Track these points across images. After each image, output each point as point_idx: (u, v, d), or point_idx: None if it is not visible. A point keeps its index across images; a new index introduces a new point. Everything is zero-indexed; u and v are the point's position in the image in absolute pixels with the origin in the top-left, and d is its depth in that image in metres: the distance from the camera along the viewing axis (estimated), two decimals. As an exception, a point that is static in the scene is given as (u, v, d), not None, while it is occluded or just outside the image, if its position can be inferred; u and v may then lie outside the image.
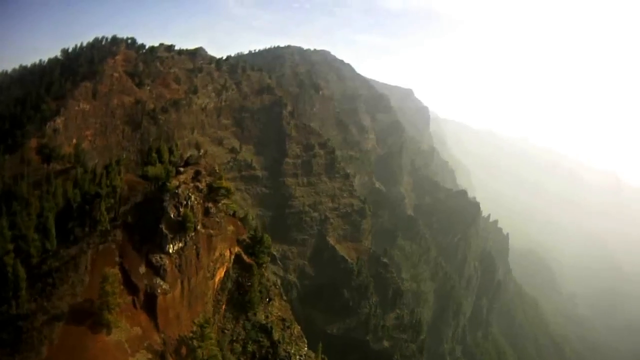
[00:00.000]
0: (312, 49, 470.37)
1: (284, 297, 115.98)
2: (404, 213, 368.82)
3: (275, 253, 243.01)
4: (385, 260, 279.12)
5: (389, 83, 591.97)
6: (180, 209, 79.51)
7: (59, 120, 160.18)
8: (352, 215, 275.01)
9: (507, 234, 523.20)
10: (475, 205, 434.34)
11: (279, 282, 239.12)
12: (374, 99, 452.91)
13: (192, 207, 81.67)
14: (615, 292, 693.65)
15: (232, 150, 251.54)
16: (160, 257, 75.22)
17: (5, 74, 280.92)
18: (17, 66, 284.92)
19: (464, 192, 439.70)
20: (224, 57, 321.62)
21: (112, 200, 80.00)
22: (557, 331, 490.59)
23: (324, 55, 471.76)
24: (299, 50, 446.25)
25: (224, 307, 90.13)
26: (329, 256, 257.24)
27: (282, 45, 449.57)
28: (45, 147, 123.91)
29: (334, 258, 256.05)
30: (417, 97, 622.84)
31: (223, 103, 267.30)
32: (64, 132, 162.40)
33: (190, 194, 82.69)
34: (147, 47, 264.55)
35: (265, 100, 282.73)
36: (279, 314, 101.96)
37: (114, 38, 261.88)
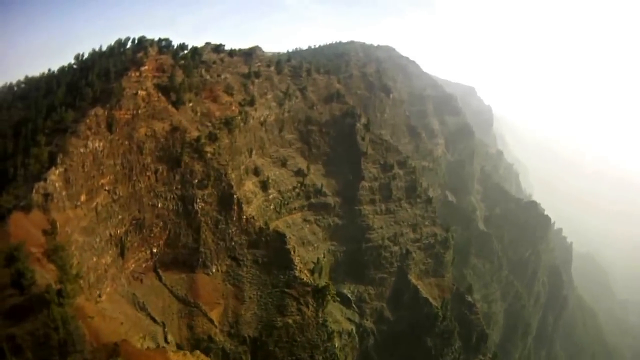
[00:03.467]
0: (375, 44, 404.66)
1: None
2: (477, 228, 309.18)
3: (349, 295, 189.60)
4: (470, 299, 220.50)
5: (450, 80, 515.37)
6: None
7: (54, 176, 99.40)
8: (435, 246, 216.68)
9: (571, 243, 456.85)
10: (546, 218, 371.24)
11: (353, 330, 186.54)
12: (441, 100, 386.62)
13: None
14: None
15: (299, 172, 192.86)
16: None
17: (9, 87, 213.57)
18: (23, 77, 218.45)
19: (534, 203, 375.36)
20: (285, 57, 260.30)
21: None
22: (612, 344, 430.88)
23: (389, 52, 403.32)
24: (363, 46, 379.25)
25: None
26: (410, 298, 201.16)
27: (344, 40, 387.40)
28: (13, 258, 67.47)
29: (415, 300, 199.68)
30: (480, 96, 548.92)
31: (286, 114, 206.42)
32: (65, 188, 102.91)
33: None
34: (188, 48, 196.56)
35: (335, 109, 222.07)
36: None
37: (141, 40, 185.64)
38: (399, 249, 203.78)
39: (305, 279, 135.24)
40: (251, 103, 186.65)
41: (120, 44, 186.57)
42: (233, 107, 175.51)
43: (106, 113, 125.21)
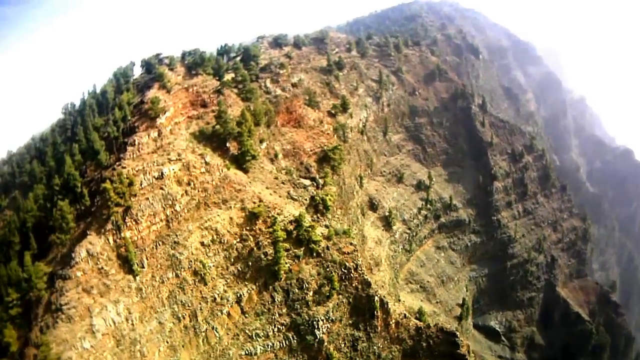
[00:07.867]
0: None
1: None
2: (587, 191, 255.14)
3: (497, 327, 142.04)
4: (614, 299, 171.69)
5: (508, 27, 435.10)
6: None
7: None
8: (577, 243, 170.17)
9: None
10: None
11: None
12: (519, 50, 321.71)
13: None
14: None
15: (419, 185, 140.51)
16: None
17: None
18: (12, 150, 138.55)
19: (629, 152, 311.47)
20: (359, 31, 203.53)
21: None
22: None
23: (454, 6, 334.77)
24: (428, 4, 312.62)
25: None
26: (560, 314, 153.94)
27: (406, 0, 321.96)
28: None
29: (567, 317, 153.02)
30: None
31: (385, 109, 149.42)
32: None
33: None
34: (235, 49, 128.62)
35: (440, 90, 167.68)
36: None
37: (150, 63, 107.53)
38: (544, 258, 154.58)
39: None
40: (344, 108, 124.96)
41: (120, 76, 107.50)
42: (325, 126, 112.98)
43: (112, 240, 65.41)
